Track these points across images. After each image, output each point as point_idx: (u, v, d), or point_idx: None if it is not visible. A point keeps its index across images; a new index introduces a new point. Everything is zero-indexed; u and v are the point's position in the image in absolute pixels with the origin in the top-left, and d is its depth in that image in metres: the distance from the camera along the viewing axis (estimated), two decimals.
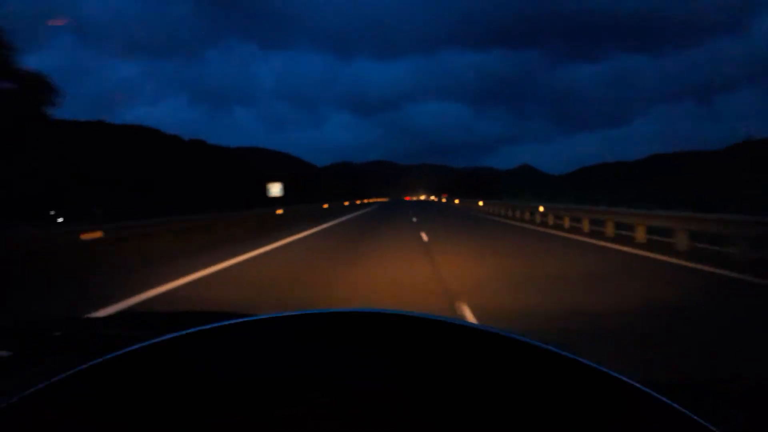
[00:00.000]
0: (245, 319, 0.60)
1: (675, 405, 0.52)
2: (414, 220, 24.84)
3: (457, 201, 65.57)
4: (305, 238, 15.39)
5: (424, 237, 14.30)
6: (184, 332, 0.59)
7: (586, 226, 15.58)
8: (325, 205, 34.44)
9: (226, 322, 0.60)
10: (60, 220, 28.95)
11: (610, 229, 13.86)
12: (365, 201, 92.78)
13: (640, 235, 12.39)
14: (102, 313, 5.09)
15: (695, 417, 0.51)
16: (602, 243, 12.15)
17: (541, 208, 21.07)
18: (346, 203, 61.50)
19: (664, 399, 0.52)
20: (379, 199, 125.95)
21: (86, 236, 11.39)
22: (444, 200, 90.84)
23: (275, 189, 33.97)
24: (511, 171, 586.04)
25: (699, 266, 7.97)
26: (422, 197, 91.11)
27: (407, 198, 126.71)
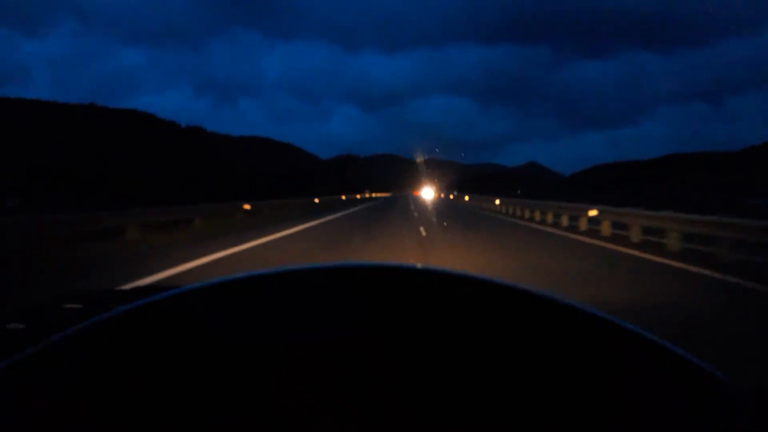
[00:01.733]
0: (222, 281, 0.61)
1: (670, 345, 0.54)
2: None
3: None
4: None
5: None
6: (159, 296, 0.60)
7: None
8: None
9: (199, 285, 0.60)
10: None
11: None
12: (342, 198, 65.32)
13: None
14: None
15: (699, 362, 0.53)
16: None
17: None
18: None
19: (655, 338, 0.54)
20: (376, 195, 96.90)
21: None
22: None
23: None
24: (519, 168, 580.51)
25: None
26: (428, 195, 70.86)
27: (415, 193, 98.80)
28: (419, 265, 0.65)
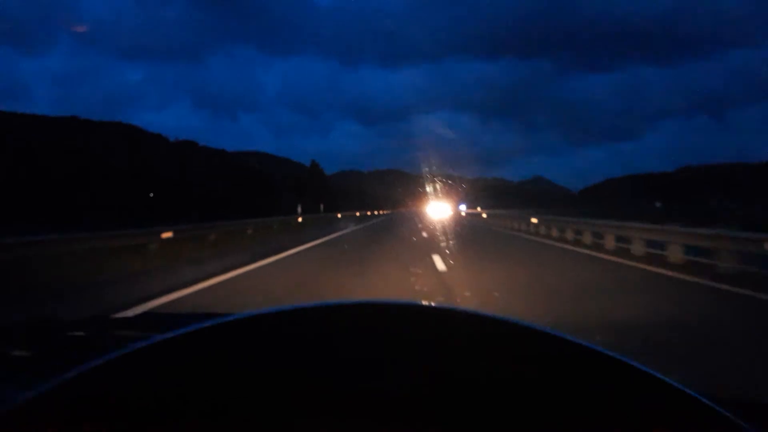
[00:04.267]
0: (240, 317, 0.61)
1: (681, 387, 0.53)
2: None
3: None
4: None
5: None
6: (183, 331, 0.59)
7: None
8: None
9: (220, 320, 0.60)
10: None
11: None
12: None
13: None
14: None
15: (714, 405, 0.52)
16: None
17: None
18: None
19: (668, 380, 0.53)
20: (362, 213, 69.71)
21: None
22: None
23: None
24: (525, 182, 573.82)
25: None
26: (439, 212, 53.07)
27: (422, 209, 66.40)
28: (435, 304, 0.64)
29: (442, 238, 17.14)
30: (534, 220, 20.19)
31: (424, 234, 19.52)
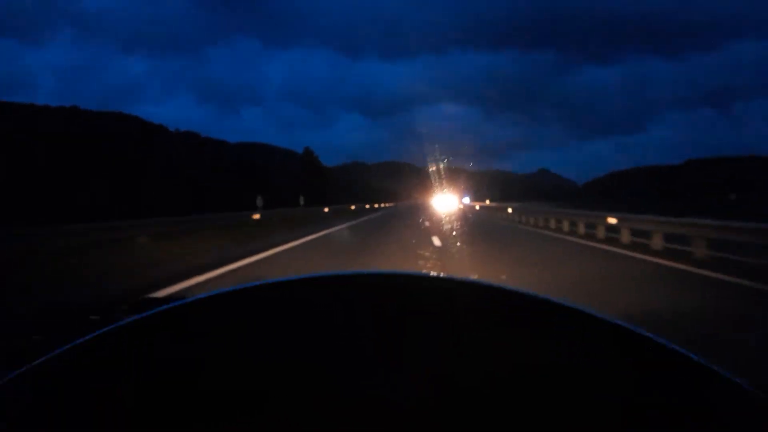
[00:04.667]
0: (238, 288, 0.59)
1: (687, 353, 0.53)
2: None
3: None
4: None
5: None
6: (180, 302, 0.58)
7: None
8: None
9: (218, 292, 0.58)
10: None
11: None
12: None
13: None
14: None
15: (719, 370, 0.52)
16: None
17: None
18: None
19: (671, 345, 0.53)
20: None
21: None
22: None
23: None
24: (530, 176, 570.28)
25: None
26: (446, 204, 47.27)
27: (428, 201, 65.00)
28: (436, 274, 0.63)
29: (468, 251, 11.38)
30: (612, 220, 13.97)
31: (437, 242, 12.31)
